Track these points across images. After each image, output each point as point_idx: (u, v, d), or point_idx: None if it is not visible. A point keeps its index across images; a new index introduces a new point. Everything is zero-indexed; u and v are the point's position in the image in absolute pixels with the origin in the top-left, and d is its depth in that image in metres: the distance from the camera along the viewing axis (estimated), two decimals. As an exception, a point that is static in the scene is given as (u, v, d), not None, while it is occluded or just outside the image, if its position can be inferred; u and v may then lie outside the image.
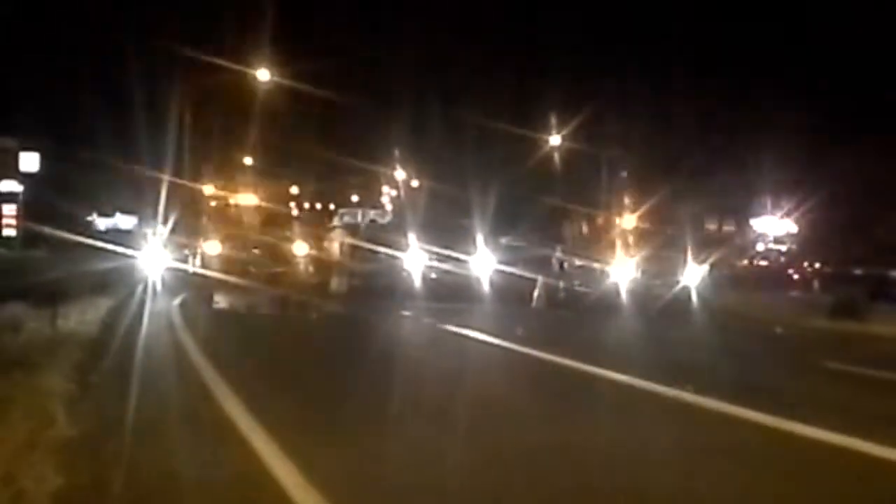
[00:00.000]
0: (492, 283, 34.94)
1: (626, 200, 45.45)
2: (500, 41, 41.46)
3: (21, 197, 49.13)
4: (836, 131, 35.38)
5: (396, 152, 49.30)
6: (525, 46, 41.89)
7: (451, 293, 32.43)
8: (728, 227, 50.10)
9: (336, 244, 44.66)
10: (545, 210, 45.64)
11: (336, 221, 51.01)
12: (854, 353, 16.72)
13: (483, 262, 37.56)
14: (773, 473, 7.24)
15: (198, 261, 42.59)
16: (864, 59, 33.91)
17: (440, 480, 6.89)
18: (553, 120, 42.20)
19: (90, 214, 54.46)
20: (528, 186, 44.05)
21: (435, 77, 41.82)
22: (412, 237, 41.72)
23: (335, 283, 38.35)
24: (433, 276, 39.09)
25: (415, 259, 40.23)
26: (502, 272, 35.61)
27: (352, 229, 49.31)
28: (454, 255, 38.43)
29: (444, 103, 41.39)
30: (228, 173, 48.31)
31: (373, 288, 36.28)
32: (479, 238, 39.21)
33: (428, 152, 46.75)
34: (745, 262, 48.51)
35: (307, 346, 17.75)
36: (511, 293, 32.31)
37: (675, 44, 38.03)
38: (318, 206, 54.75)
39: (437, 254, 39.66)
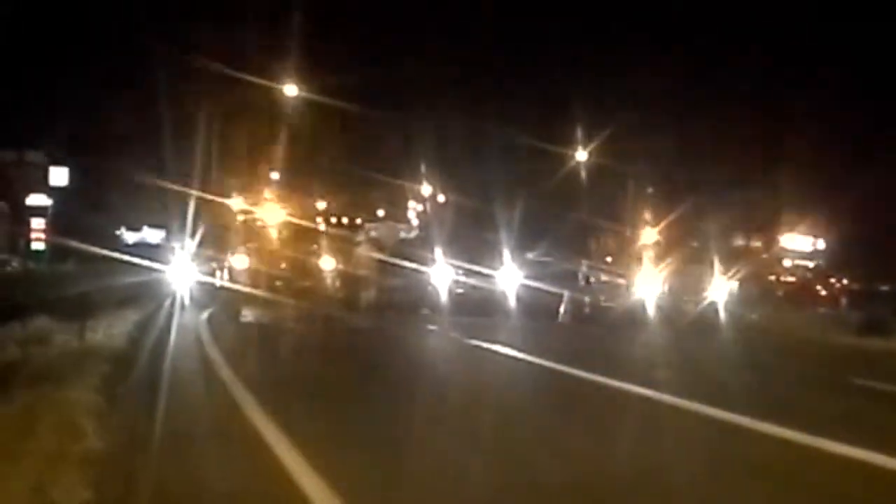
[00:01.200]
0: (518, 298, 34.88)
1: (652, 216, 45.30)
2: (527, 57, 41.48)
3: (50, 211, 49.46)
4: (863, 147, 35.20)
5: (422, 166, 49.33)
6: (551, 62, 41.85)
7: (477, 308, 32.41)
8: (755, 243, 49.84)
9: (362, 259, 44.65)
10: (571, 225, 45.53)
11: (361, 236, 51.01)
12: (882, 371, 16.62)
13: (509, 277, 37.49)
14: (802, 490, 7.19)
15: (225, 275, 42.70)
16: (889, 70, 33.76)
17: (467, 495, 6.88)
18: (579, 135, 42.14)
19: (118, 228, 54.73)
20: (554, 201, 43.97)
21: (461, 91, 41.86)
22: (438, 252, 41.71)
23: (362, 298, 38.36)
24: (459, 290, 39.06)
25: (441, 274, 40.22)
26: (528, 287, 35.54)
27: (378, 244, 49.32)
28: (480, 269, 38.39)
29: (471, 118, 41.45)
30: (256, 188, 48.43)
31: (399, 302, 36.29)
32: (506, 253, 39.15)
33: (454, 167, 46.83)
34: (773, 277, 48.26)
35: (334, 360, 17.75)
36: (537, 308, 32.27)
37: (700, 60, 37.95)
38: (345, 220, 54.81)
39: (464, 268, 39.62)
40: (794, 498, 7.00)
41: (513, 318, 31.06)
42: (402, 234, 54.41)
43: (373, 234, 53.45)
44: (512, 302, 34.57)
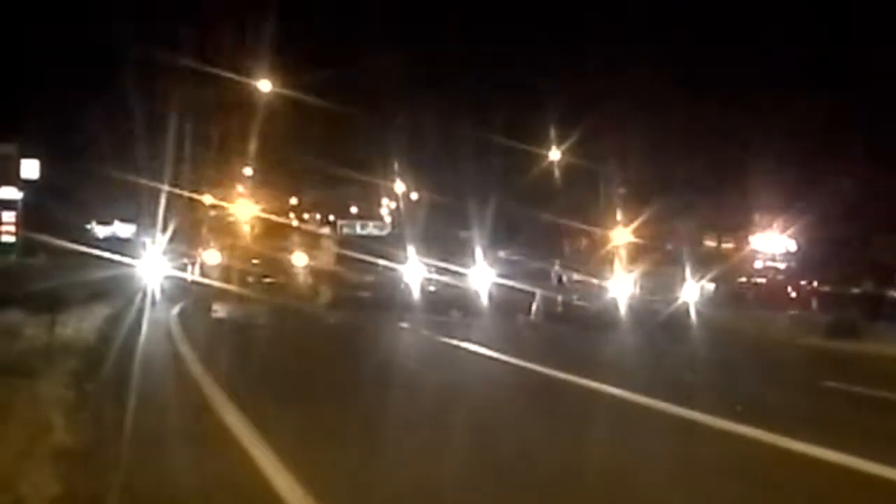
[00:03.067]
0: (490, 297, 34.93)
1: (625, 216, 45.46)
2: (500, 56, 41.43)
3: (20, 204, 49.08)
4: (836, 149, 35.41)
5: (396, 164, 49.32)
6: (525, 61, 41.84)
7: (449, 306, 32.45)
8: (727, 244, 50.04)
9: (334, 256, 44.54)
10: (544, 224, 45.67)
11: (327, 231, 50.83)
12: (851, 373, 16.76)
13: (482, 276, 37.53)
14: (770, 491, 7.24)
15: (197, 270, 42.55)
16: (865, 74, 33.99)
17: (437, 493, 6.88)
18: (552, 134, 42.23)
19: (89, 222, 54.38)
20: (527, 200, 44.07)
21: (435, 90, 41.81)
22: (411, 249, 41.70)
23: (334, 295, 38.26)
24: (432, 288, 39.07)
25: (414, 271, 40.21)
26: (501, 285, 35.60)
27: (349, 240, 49.25)
28: (453, 267, 38.42)
29: (444, 116, 41.47)
30: (228, 183, 48.36)
31: (371, 300, 36.27)
32: (478, 251, 39.20)
33: (427, 165, 46.85)
34: (744, 279, 48.48)
35: (305, 357, 17.72)
36: (509, 306, 32.34)
37: (672, 61, 38.07)
38: (318, 216, 54.77)
39: (436, 266, 39.64)
40: (762, 497, 7.04)
41: (485, 316, 31.11)
42: (375, 232, 54.41)
43: (346, 230, 53.48)
44: (484, 300, 34.61)
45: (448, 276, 38.62)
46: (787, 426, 9.34)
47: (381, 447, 8.45)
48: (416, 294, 37.52)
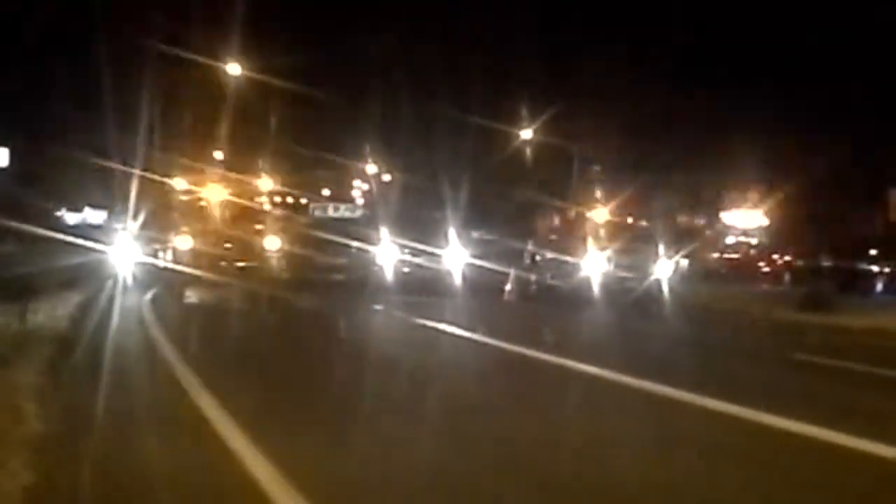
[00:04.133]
0: (464, 277, 34.94)
1: (598, 194, 45.57)
2: (472, 34, 41.28)
3: (-11, 192, 48.65)
4: (805, 126, 35.54)
5: (368, 146, 49.21)
6: (497, 39, 41.75)
7: (423, 287, 32.44)
8: (699, 221, 50.29)
9: (306, 239, 44.42)
10: (517, 204, 45.69)
11: (305, 216, 50.79)
12: (822, 345, 16.87)
13: (455, 256, 37.52)
14: (741, 463, 7.29)
15: (169, 256, 42.39)
16: (836, 52, 34.11)
17: (413, 474, 6.89)
18: (525, 113, 42.20)
19: (59, 209, 54.01)
20: (501, 180, 44.09)
21: (406, 70, 41.64)
22: (384, 231, 41.69)
23: (306, 278, 38.15)
24: (405, 269, 39.07)
25: (387, 253, 40.20)
26: (474, 266, 35.60)
27: (321, 222, 49.15)
28: (426, 248, 38.41)
29: (416, 97, 41.30)
30: (199, 168, 48.10)
31: (344, 282, 36.24)
32: (452, 232, 39.17)
33: (399, 146, 46.66)
34: (716, 255, 48.75)
35: (278, 340, 17.69)
36: (483, 286, 32.36)
37: (647, 40, 38.07)
38: (290, 200, 54.61)
39: (410, 248, 39.64)
40: (731, 470, 7.08)
41: (459, 296, 31.11)
42: (347, 214, 54.33)
43: (317, 213, 53.37)
44: (458, 281, 34.61)
45: (422, 257, 38.63)
46: (759, 400, 9.40)
47: (353, 428, 8.45)
48: (389, 276, 37.52)
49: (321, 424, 8.65)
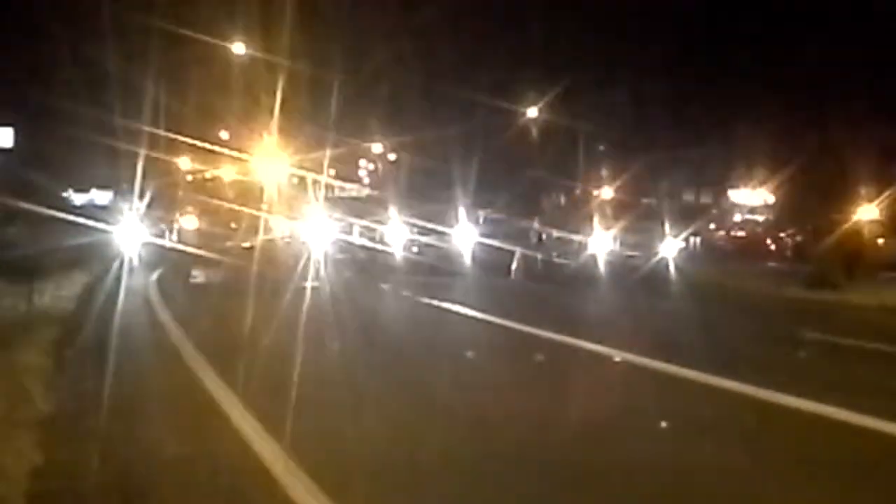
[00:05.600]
0: (473, 256, 34.86)
1: (604, 172, 45.50)
2: (479, 12, 41.11)
3: (-5, 172, 48.63)
4: (812, 104, 35.34)
5: (376, 126, 49.09)
6: (505, 18, 41.57)
7: (431, 267, 32.40)
8: (705, 199, 50.18)
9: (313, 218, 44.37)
10: (525, 182, 45.57)
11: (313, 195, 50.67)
12: (830, 323, 16.84)
13: (465, 235, 37.41)
14: (752, 441, 7.27)
15: (175, 236, 42.38)
16: (844, 30, 33.89)
17: (419, 454, 6.88)
18: (532, 92, 42.05)
19: (65, 189, 53.99)
20: (508, 159, 43.99)
21: (413, 49, 41.49)
22: (393, 210, 41.62)
23: (313, 258, 38.12)
24: (414, 249, 39.01)
25: (396, 233, 40.14)
26: (483, 245, 35.51)
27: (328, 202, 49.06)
28: (436, 228, 38.31)
29: (424, 76, 41.17)
30: (205, 147, 48.00)
31: (350, 262, 36.20)
32: (461, 211, 39.04)
33: (407, 125, 46.52)
34: (723, 233, 48.67)
35: (285, 321, 17.65)
36: (491, 266, 32.32)
37: (653, 18, 37.87)
38: (296, 179, 54.50)
39: (419, 227, 39.56)
40: (743, 449, 7.06)
41: (466, 276, 31.07)
42: (354, 193, 54.28)
43: (325, 193, 53.26)
44: (467, 260, 34.53)
45: (430, 236, 38.56)
46: (767, 377, 9.38)
47: (360, 406, 8.43)
48: (398, 255, 37.47)
49: (326, 403, 8.63)
